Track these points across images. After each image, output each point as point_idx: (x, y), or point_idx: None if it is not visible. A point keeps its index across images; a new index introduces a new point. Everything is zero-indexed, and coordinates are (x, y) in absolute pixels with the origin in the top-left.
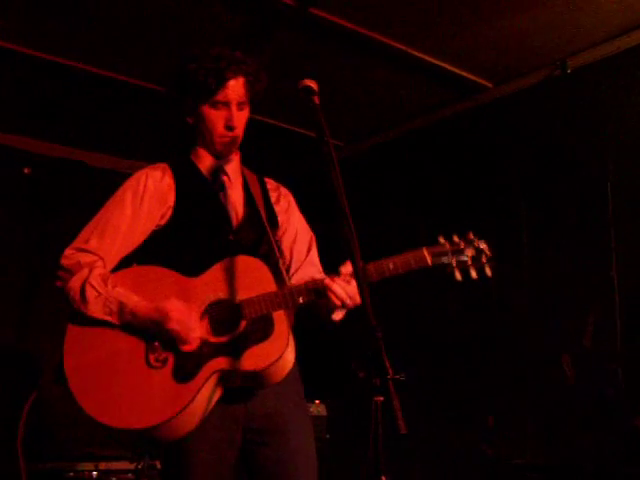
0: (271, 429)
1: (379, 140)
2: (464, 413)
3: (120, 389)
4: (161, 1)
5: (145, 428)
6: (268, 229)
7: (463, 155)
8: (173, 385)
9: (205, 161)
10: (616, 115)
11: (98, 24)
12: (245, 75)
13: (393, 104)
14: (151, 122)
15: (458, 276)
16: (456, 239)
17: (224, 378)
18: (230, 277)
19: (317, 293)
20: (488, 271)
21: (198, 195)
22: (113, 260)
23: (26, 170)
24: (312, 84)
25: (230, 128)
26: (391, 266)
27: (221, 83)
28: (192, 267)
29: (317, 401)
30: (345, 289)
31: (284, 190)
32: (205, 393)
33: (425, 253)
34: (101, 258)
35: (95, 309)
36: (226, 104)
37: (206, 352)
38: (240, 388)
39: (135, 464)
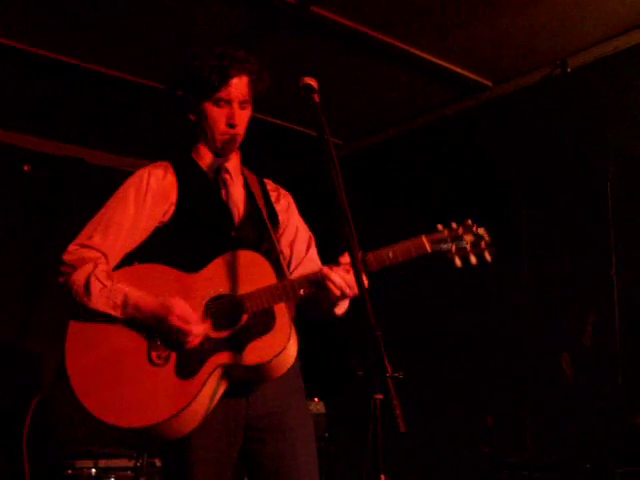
0: (272, 426)
1: (379, 139)
2: (463, 412)
3: (123, 387)
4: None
5: (150, 426)
6: (269, 226)
7: (463, 154)
8: (177, 382)
9: (206, 159)
10: (616, 115)
11: (98, 22)
12: (248, 74)
13: (393, 102)
14: (151, 120)
15: (458, 262)
16: (454, 226)
17: (227, 372)
18: (231, 272)
19: (317, 284)
20: (487, 256)
21: (200, 192)
22: (116, 257)
23: (26, 167)
24: (312, 82)
25: (232, 126)
26: (390, 254)
27: (224, 80)
28: (194, 263)
29: (316, 399)
30: (344, 278)
31: (283, 191)
32: (209, 388)
33: (424, 240)
34: (104, 255)
35: (99, 301)
36: (228, 102)
37: (208, 347)
38: (242, 384)
39: (134, 461)
